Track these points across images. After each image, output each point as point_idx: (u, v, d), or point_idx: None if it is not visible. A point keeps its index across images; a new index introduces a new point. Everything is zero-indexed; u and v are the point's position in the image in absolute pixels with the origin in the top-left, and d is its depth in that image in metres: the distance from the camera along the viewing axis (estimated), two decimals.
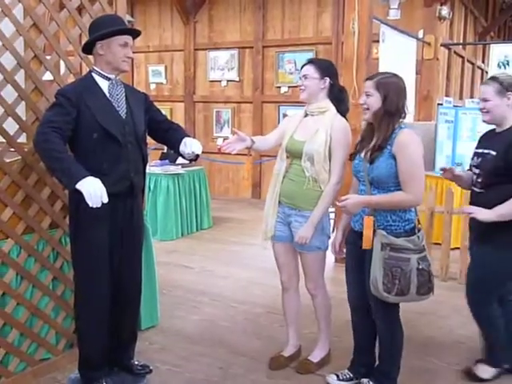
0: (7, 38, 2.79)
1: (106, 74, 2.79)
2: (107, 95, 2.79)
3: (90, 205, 2.47)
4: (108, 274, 2.84)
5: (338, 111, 3.08)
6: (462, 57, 9.61)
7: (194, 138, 3.01)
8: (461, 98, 9.58)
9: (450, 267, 5.08)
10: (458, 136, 6.85)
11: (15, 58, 2.85)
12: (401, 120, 2.77)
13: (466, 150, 6.77)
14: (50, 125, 2.58)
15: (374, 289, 2.74)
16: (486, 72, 11.15)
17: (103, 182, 2.53)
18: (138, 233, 3.00)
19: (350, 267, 3.00)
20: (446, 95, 8.41)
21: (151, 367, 3.18)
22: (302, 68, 3.13)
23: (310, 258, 3.10)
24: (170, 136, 3.10)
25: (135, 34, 2.87)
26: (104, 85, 2.79)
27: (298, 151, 3.03)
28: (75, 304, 2.91)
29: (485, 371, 3.21)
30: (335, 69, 3.14)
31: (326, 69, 3.08)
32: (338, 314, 3.69)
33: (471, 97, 10.06)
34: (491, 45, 8.11)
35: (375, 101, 2.73)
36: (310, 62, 3.12)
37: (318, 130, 3.01)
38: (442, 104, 7.13)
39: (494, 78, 3.03)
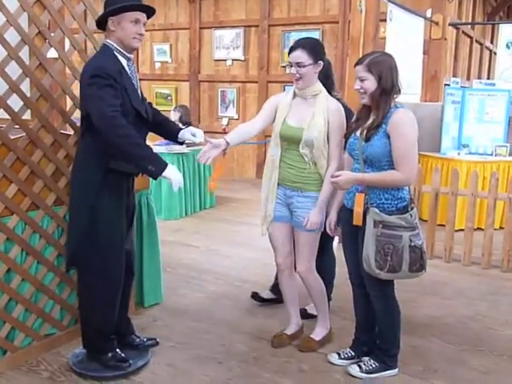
0: (11, 14, 2.77)
1: (125, 54, 2.76)
2: (129, 75, 2.78)
3: (175, 190, 2.69)
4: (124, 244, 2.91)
5: (325, 86, 3.04)
6: (471, 37, 9.51)
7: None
8: (468, 78, 9.50)
9: (454, 249, 5.08)
10: (464, 117, 6.82)
11: (19, 34, 2.83)
12: (395, 96, 2.76)
13: (473, 131, 6.77)
14: (113, 108, 2.57)
15: (366, 266, 2.77)
16: (495, 53, 11.04)
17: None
18: (134, 208, 3.11)
19: (347, 245, 3.03)
20: (454, 76, 8.34)
21: (158, 339, 3.22)
22: (290, 53, 2.98)
23: (307, 237, 3.09)
24: (163, 121, 3.14)
25: (149, 10, 2.79)
26: (124, 63, 2.76)
27: (295, 138, 2.99)
28: (91, 276, 2.84)
29: None
30: (323, 46, 3.07)
31: (318, 51, 2.98)
32: (341, 294, 3.72)
33: (479, 78, 9.98)
34: (500, 25, 8.02)
35: (371, 83, 2.72)
36: (300, 46, 2.94)
37: (314, 115, 2.97)
38: (449, 85, 7.08)
39: None
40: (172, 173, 2.66)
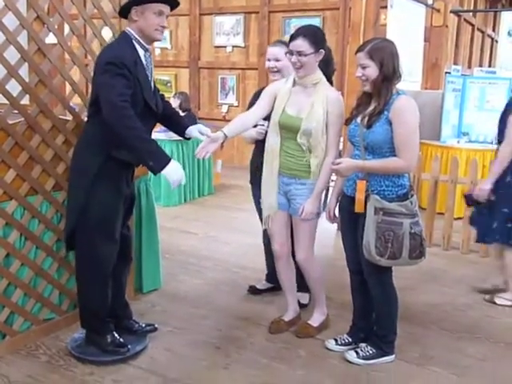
0: None
1: (144, 44, 2.75)
2: (144, 66, 2.77)
3: (173, 187, 2.71)
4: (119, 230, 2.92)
5: (325, 74, 3.03)
6: (472, 24, 9.47)
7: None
8: (469, 66, 9.46)
9: (453, 237, 5.08)
10: (465, 105, 6.80)
11: (18, 18, 2.81)
12: (396, 82, 2.75)
13: (473, 119, 6.75)
14: (123, 98, 2.57)
15: (366, 252, 2.78)
16: (496, 41, 10.99)
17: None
18: (134, 198, 3.13)
19: (345, 232, 3.04)
20: (455, 63, 8.30)
21: (156, 325, 3.24)
22: (291, 41, 2.93)
23: (305, 225, 3.09)
24: (172, 115, 3.13)
25: (173, 3, 2.78)
26: (141, 54, 2.76)
27: (294, 127, 2.97)
28: (82, 258, 2.87)
29: None
30: (323, 34, 3.04)
31: (319, 39, 2.94)
32: (339, 281, 3.73)
33: (480, 66, 9.94)
34: (502, 13, 7.98)
35: (372, 70, 2.70)
36: (302, 35, 2.91)
37: (314, 104, 2.95)
38: (449, 72, 7.05)
39: None
40: (171, 171, 2.64)
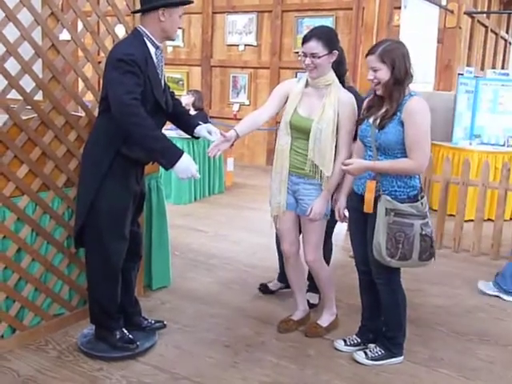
0: None
1: (156, 42, 2.76)
2: (155, 64, 2.78)
3: (182, 178, 2.69)
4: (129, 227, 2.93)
5: (337, 75, 3.01)
6: (486, 26, 9.40)
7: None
8: (482, 68, 9.40)
9: (464, 239, 5.05)
10: (477, 107, 6.75)
11: (32, 14, 2.83)
12: (408, 83, 2.74)
13: (486, 121, 6.71)
14: (132, 96, 2.57)
15: (377, 253, 2.77)
16: (510, 43, 10.92)
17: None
18: (144, 195, 3.15)
19: (354, 232, 3.03)
20: (468, 65, 8.25)
21: (165, 322, 3.25)
22: (304, 43, 2.91)
23: (314, 225, 3.08)
24: (182, 114, 3.15)
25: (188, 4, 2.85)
26: (152, 51, 2.76)
27: (304, 129, 2.96)
28: (92, 254, 2.89)
29: None
30: (336, 34, 3.01)
31: (332, 40, 2.93)
32: (348, 281, 3.73)
33: (493, 67, 9.87)
34: None
35: (384, 73, 2.69)
36: (315, 36, 2.88)
37: (325, 106, 2.93)
38: (462, 74, 7.00)
39: None
40: (182, 168, 2.63)
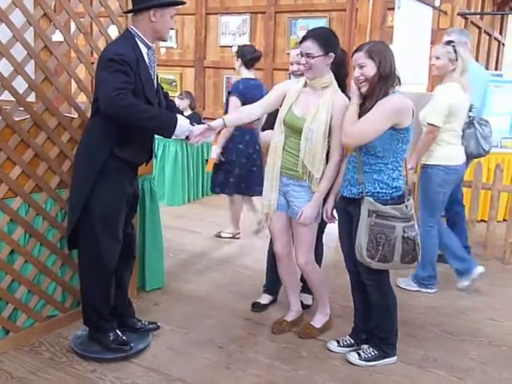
0: None
1: (148, 42, 2.77)
2: (147, 64, 2.78)
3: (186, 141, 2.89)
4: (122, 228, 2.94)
5: (336, 78, 3.01)
6: (479, 27, 9.42)
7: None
8: None
9: None
10: None
11: (25, 15, 2.82)
12: (395, 85, 2.77)
13: None
14: (122, 91, 2.58)
15: (358, 254, 2.79)
16: (503, 44, 10.95)
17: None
18: (138, 197, 3.16)
19: (342, 233, 3.05)
20: None
21: (159, 323, 3.25)
22: (301, 42, 2.94)
23: (305, 228, 3.08)
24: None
25: (183, 3, 2.88)
26: (144, 52, 2.77)
27: (297, 128, 2.97)
28: (85, 256, 2.89)
29: None
30: (336, 37, 3.01)
31: (330, 42, 2.92)
32: (341, 282, 3.73)
33: (486, 68, 9.90)
34: (509, 16, 7.95)
35: (371, 69, 2.71)
36: (311, 37, 2.90)
37: (319, 108, 2.93)
38: None
39: None
40: (180, 131, 2.74)
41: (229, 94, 4.75)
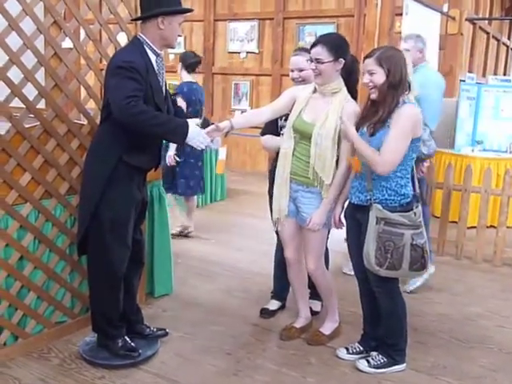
0: (27, 4, 2.78)
1: (156, 50, 2.79)
2: (156, 71, 2.80)
3: (199, 149, 2.83)
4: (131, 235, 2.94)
5: (347, 85, 3.00)
6: (487, 32, 9.39)
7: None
8: (484, 74, 9.40)
9: (466, 246, 5.04)
10: (479, 114, 6.75)
11: (35, 23, 2.84)
12: (406, 92, 2.75)
13: (488, 128, 6.70)
14: (133, 99, 2.59)
15: (366, 262, 2.78)
16: (511, 49, 10.92)
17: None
18: (147, 203, 3.17)
19: (351, 240, 3.03)
20: (469, 71, 8.25)
21: (167, 330, 3.25)
22: (311, 48, 2.94)
23: (314, 234, 3.07)
24: None
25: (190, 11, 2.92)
26: (152, 59, 2.79)
27: (306, 133, 2.96)
28: (94, 262, 2.89)
29: None
30: (346, 43, 3.00)
31: (340, 48, 2.92)
32: (350, 289, 3.71)
33: (495, 74, 9.87)
34: None
35: (380, 76, 2.71)
36: (321, 42, 2.90)
37: (328, 114, 2.92)
38: (464, 80, 7.01)
39: None
40: (192, 137, 2.71)
41: (175, 95, 4.94)
